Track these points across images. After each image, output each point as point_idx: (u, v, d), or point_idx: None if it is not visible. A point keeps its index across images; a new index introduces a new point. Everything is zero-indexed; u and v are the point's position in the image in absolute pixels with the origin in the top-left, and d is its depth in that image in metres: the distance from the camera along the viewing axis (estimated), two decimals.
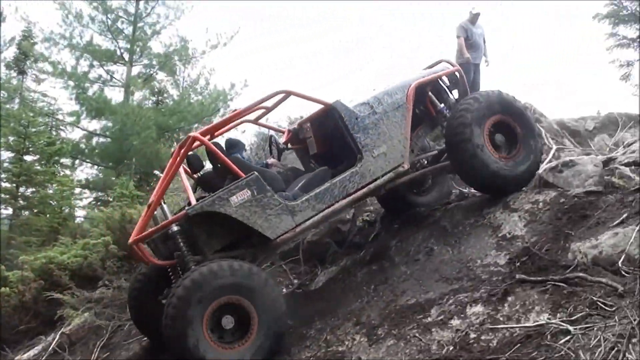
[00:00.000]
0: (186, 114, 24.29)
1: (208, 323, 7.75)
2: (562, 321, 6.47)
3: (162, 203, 8.69)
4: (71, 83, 24.72)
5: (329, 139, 9.99)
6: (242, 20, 69.29)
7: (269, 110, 10.00)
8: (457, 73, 10.53)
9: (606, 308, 6.45)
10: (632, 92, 10.32)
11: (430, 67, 10.81)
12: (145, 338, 10.01)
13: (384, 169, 9.40)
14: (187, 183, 8.77)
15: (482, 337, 6.81)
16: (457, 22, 15.43)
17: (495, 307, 7.26)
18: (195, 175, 9.47)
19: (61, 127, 25.69)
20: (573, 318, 6.49)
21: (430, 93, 10.27)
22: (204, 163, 9.43)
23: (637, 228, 7.51)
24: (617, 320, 6.10)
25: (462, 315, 7.34)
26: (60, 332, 11.43)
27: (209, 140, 9.12)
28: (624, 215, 8.11)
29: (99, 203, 23.19)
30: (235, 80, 35.33)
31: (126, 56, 25.39)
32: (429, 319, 7.52)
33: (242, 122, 9.81)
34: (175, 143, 24.46)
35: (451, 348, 6.88)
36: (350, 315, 8.46)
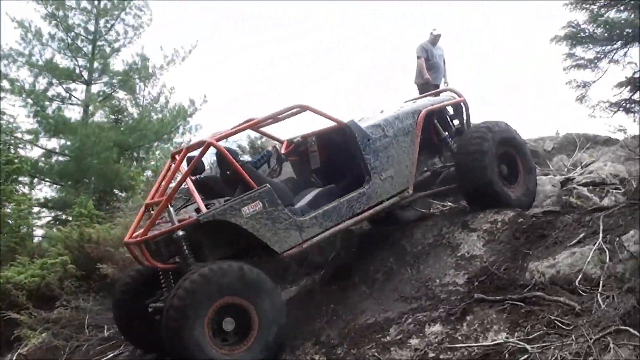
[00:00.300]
0: (146, 132, 24.11)
1: (210, 325, 7.58)
2: (520, 340, 6.50)
3: (169, 206, 8.43)
4: (30, 101, 24.50)
5: (333, 155, 9.97)
6: (223, 21, 69.10)
7: (277, 120, 9.86)
8: (462, 104, 10.56)
9: (563, 327, 6.49)
10: (589, 114, 10.54)
11: (435, 94, 10.94)
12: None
13: (390, 192, 9.39)
14: (194, 189, 8.57)
15: (441, 357, 6.81)
16: (418, 43, 15.51)
17: (453, 326, 7.25)
18: (194, 178, 9.19)
19: (20, 145, 25.39)
20: (531, 337, 6.52)
21: (435, 121, 10.29)
22: (205, 167, 9.26)
23: (594, 247, 7.58)
24: (574, 338, 6.14)
25: (420, 335, 7.31)
26: (17, 353, 11.25)
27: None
28: (581, 235, 8.18)
29: (57, 222, 22.92)
30: (198, 94, 35.12)
31: (85, 74, 25.24)
32: (388, 338, 7.49)
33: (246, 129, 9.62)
34: (134, 162, 24.33)
35: None
36: (310, 334, 8.39)
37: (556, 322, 6.59)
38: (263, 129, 10.24)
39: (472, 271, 8.37)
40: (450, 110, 10.71)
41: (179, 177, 9.22)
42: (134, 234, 8.52)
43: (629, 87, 9.82)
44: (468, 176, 9.62)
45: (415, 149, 9.71)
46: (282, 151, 10.26)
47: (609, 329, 6.06)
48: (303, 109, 9.18)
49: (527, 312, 6.98)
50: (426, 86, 14.71)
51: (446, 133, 10.30)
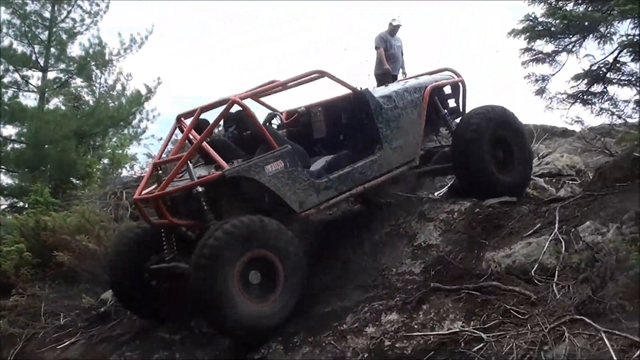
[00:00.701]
0: (102, 118, 23.76)
1: (238, 278, 7.58)
2: (475, 329, 6.49)
3: (188, 163, 8.42)
4: None
5: (338, 125, 10.08)
6: (211, 21, 68.60)
7: (297, 85, 9.94)
8: (460, 84, 10.62)
9: (519, 316, 6.49)
10: (546, 105, 10.54)
11: (432, 73, 10.93)
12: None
13: (399, 161, 9.57)
14: (210, 148, 8.56)
15: (397, 345, 6.78)
16: (376, 33, 15.46)
17: (410, 315, 7.23)
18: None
19: None
20: (486, 326, 6.51)
21: (436, 98, 10.35)
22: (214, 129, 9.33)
23: (550, 238, 7.63)
24: (529, 328, 6.14)
25: (377, 323, 7.28)
26: None
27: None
28: (537, 225, 8.23)
29: (13, 210, 22.59)
30: (168, 86, 34.84)
31: (41, 61, 24.83)
32: (344, 327, 7.45)
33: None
34: (91, 150, 24.00)
35: (366, 355, 6.85)
36: None
37: (512, 311, 6.59)
38: (262, 99, 10.31)
39: (428, 260, 8.39)
40: (447, 89, 10.78)
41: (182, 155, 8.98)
42: (144, 192, 8.54)
43: (586, 80, 9.82)
44: (463, 162, 9.70)
45: (422, 121, 9.89)
46: (282, 122, 10.41)
47: (564, 318, 6.06)
48: (321, 74, 9.40)
49: (483, 302, 6.97)
50: (385, 77, 14.65)
51: (445, 111, 10.42)
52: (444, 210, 9.33)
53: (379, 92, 9.89)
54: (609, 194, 8.46)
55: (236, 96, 8.78)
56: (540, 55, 10.15)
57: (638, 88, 9.75)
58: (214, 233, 7.52)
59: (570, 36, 9.90)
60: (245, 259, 7.62)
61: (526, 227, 8.32)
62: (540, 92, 10.47)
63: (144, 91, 25.06)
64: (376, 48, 15.30)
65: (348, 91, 9.68)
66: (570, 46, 9.99)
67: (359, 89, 9.56)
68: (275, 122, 10.35)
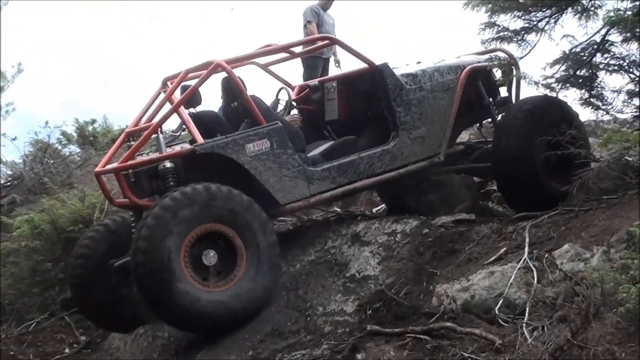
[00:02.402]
0: None
1: (187, 259, 7.86)
2: None
3: (159, 132, 8.62)
4: None
5: (353, 107, 10.25)
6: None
7: (294, 57, 10.28)
8: (514, 68, 10.57)
9: None
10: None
11: (483, 53, 10.98)
12: None
13: (417, 155, 9.76)
14: (188, 118, 8.74)
15: None
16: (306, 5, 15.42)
17: None
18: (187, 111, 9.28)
19: None
20: None
21: (479, 83, 10.50)
22: (201, 98, 9.37)
23: (519, 266, 7.62)
24: None
25: None
26: None
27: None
28: (502, 250, 8.25)
29: None
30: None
31: None
32: None
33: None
34: None
35: None
36: None
37: None
38: (272, 69, 10.59)
39: (364, 296, 8.36)
40: (499, 74, 10.88)
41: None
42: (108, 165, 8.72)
43: (565, 65, 9.82)
44: (505, 160, 9.72)
45: (454, 109, 10.05)
46: (293, 97, 10.60)
47: None
48: (333, 42, 9.94)
49: (434, 348, 6.89)
50: (315, 59, 14.58)
51: (490, 100, 10.53)
52: (383, 231, 9.32)
53: (402, 69, 10.04)
54: (593, 209, 8.52)
55: (220, 60, 8.96)
56: (505, 33, 10.14)
57: (632, 75, 9.77)
58: (152, 210, 7.75)
59: (544, 9, 9.91)
60: (192, 236, 7.84)
61: (488, 252, 8.33)
62: (520, 77, 10.48)
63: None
64: (307, 23, 15.20)
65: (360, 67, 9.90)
66: (544, 23, 9.99)
67: (375, 64, 9.62)
68: (282, 97, 10.56)
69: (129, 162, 8.52)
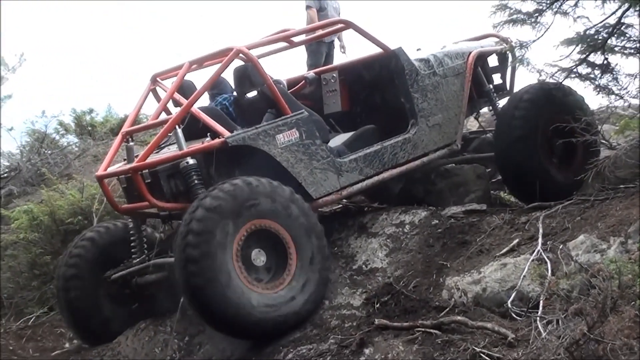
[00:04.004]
0: None
1: (239, 261, 7.68)
2: None
3: (177, 128, 8.37)
4: None
5: (359, 97, 10.22)
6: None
7: (317, 36, 10.41)
8: (509, 54, 10.59)
9: None
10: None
11: (477, 39, 11.09)
12: None
13: (436, 143, 9.77)
14: (199, 111, 8.64)
15: None
16: None
17: None
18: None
19: None
20: None
21: (479, 68, 10.50)
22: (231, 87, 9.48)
23: (532, 257, 7.56)
24: None
25: None
26: None
27: None
28: (515, 242, 8.18)
29: None
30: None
31: None
32: None
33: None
34: None
35: None
36: None
37: (482, 355, 6.44)
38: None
39: (371, 289, 8.33)
40: (493, 60, 10.97)
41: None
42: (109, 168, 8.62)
43: (579, 47, 9.70)
44: (508, 150, 9.71)
45: (465, 94, 10.11)
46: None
47: None
48: (347, 25, 9.69)
49: (445, 343, 6.83)
50: (318, 45, 14.51)
51: (490, 86, 10.58)
52: (391, 222, 9.31)
53: (414, 54, 9.99)
54: (610, 198, 8.46)
55: (241, 46, 8.81)
56: (519, 15, 10.05)
57: None
58: (195, 213, 7.50)
59: None
60: (241, 235, 7.68)
61: (500, 244, 8.29)
62: (520, 61, 10.39)
63: None
64: (307, 8, 15.12)
65: (366, 55, 9.92)
66: (559, 4, 9.89)
67: (391, 49, 9.59)
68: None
69: (148, 161, 8.32)
